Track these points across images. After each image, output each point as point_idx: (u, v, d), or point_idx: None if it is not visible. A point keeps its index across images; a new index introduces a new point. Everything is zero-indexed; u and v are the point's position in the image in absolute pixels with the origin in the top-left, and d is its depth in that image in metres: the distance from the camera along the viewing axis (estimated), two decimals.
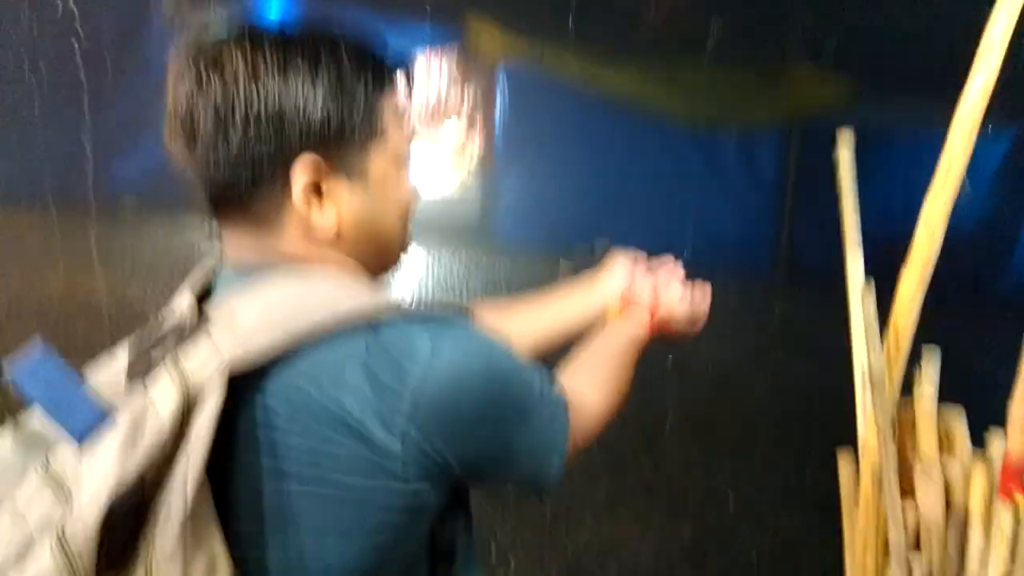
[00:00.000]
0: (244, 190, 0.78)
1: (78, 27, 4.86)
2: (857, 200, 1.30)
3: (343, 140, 0.79)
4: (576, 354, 1.08)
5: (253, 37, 0.78)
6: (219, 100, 0.75)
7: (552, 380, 0.88)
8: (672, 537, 3.43)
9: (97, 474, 0.65)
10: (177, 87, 0.77)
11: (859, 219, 1.30)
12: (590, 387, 1.00)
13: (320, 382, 0.72)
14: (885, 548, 1.20)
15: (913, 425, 1.18)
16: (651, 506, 3.69)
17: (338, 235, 0.82)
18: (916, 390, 1.18)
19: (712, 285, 1.42)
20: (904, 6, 5.24)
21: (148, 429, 0.67)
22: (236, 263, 0.83)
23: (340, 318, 0.73)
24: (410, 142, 0.86)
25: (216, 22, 0.81)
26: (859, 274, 1.27)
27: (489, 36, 5.35)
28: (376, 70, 0.82)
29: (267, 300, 0.75)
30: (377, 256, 0.86)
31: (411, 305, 0.77)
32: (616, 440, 4.25)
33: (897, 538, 1.17)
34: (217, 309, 0.76)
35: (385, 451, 0.73)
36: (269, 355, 0.71)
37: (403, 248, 0.90)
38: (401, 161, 0.85)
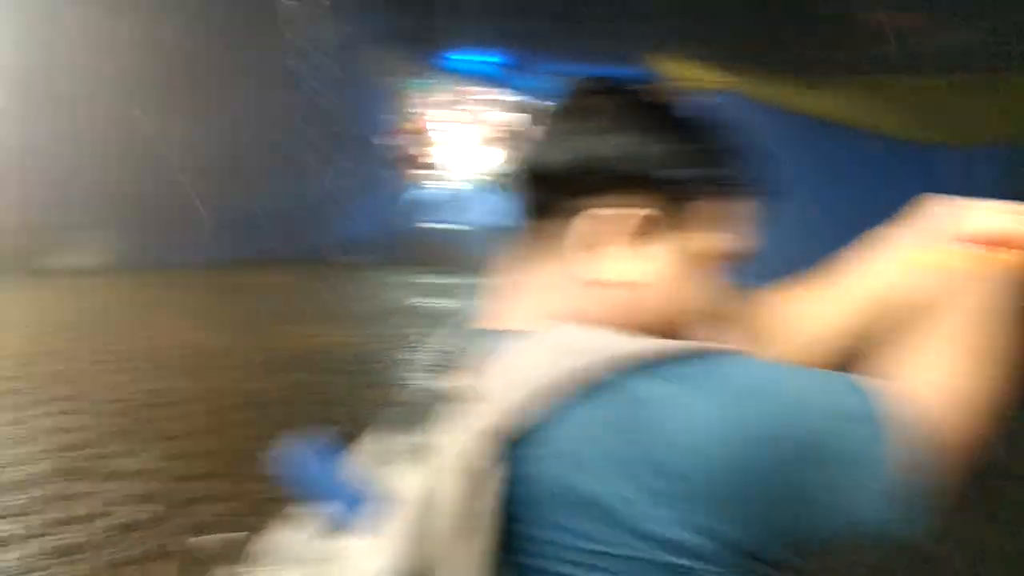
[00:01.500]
0: (568, 217, 0.75)
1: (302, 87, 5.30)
2: None
3: (680, 211, 0.75)
4: (910, 334, 0.78)
5: (625, 93, 0.78)
6: (581, 144, 0.75)
7: (862, 387, 0.69)
8: None
9: (372, 565, 0.68)
10: (536, 134, 0.78)
11: None
12: (941, 374, 0.73)
13: (585, 465, 0.65)
14: None
15: None
16: None
17: (633, 294, 0.76)
18: None
19: None
20: None
21: (429, 512, 0.66)
22: (505, 321, 0.79)
23: (589, 370, 0.67)
24: (733, 256, 0.79)
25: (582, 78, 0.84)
26: None
27: (685, 71, 5.35)
28: (735, 165, 0.79)
29: (522, 363, 0.70)
30: (654, 329, 0.76)
31: (663, 350, 0.69)
32: None
33: None
34: (479, 381, 0.72)
35: (676, 548, 0.63)
36: (526, 419, 0.66)
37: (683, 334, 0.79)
38: (709, 263, 0.78)
